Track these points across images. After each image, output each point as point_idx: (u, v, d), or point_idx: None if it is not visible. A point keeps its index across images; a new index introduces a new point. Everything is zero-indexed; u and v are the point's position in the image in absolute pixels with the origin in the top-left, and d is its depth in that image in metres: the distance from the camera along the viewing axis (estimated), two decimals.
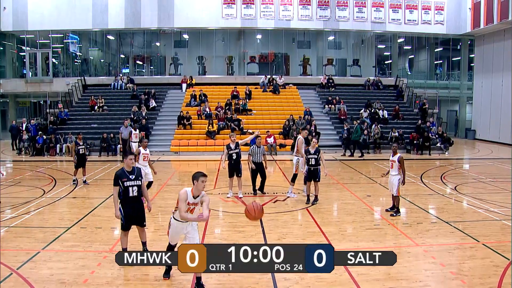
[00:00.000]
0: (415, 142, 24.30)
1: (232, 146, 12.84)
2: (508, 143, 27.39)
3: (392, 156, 11.05)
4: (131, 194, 7.57)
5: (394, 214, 10.93)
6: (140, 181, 7.68)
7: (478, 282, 7.01)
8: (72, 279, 7.05)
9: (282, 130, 24.95)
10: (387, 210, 11.30)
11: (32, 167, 19.57)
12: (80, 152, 14.90)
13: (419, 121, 25.87)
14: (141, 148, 12.34)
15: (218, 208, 11.91)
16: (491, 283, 6.93)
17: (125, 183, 7.53)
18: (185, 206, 6.54)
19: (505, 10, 27.09)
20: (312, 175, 12.18)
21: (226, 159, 13.00)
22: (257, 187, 13.44)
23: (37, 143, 23.35)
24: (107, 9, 30.81)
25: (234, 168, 12.86)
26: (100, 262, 7.78)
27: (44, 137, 23.64)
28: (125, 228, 7.76)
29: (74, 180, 15.18)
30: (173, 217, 6.81)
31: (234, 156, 12.81)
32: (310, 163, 12.10)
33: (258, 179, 13.42)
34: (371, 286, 6.86)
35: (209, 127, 24.63)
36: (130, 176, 7.61)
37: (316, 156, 12.08)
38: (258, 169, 13.06)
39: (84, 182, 15.07)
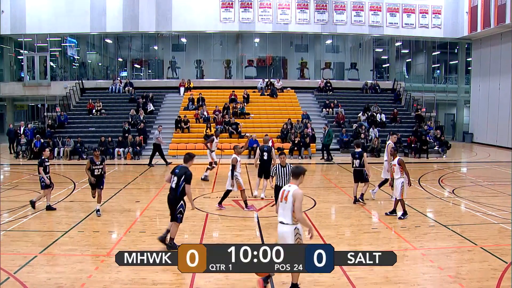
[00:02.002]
0: (412, 145, 24.32)
1: (264, 147, 13.21)
2: (506, 146, 27.45)
3: (392, 160, 11.17)
4: None
5: (402, 217, 10.93)
6: None
7: (476, 285, 7.01)
8: (69, 283, 7.03)
9: (280, 133, 24.94)
10: (386, 214, 11.30)
11: (30, 170, 19.52)
12: (95, 173, 11.54)
13: (417, 125, 25.90)
14: (237, 156, 12.16)
15: (216, 211, 11.90)
16: (489, 286, 6.93)
17: None
18: None
19: (502, 14, 27.20)
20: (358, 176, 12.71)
21: (258, 161, 13.38)
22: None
23: (34, 147, 23.29)
24: (105, 12, 30.82)
25: (264, 169, 13.14)
26: (97, 266, 7.76)
27: (42, 140, 23.57)
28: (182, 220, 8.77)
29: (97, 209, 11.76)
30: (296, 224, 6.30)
31: (265, 157, 13.16)
32: (354, 165, 12.65)
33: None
34: None
35: (207, 131, 24.61)
36: None
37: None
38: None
39: (97, 211, 11.54)
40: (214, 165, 17.72)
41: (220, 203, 12.17)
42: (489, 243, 9.05)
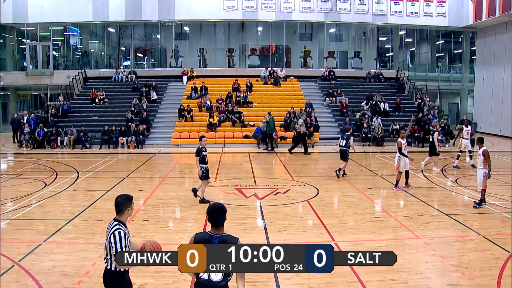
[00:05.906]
0: (416, 134, 24.26)
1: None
2: (509, 136, 27.34)
3: (478, 150, 11.27)
4: None
5: (477, 206, 11.00)
6: None
7: (478, 274, 7.03)
8: (73, 271, 7.08)
9: (283, 122, 24.90)
10: (475, 203, 11.19)
11: (33, 159, 19.60)
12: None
13: (420, 114, 25.81)
14: (401, 140, 13.26)
15: (219, 200, 11.93)
16: (491, 275, 6.95)
17: None
18: None
19: (507, 2, 26.94)
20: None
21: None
22: None
23: (38, 136, 23.34)
24: (108, 1, 30.66)
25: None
26: (101, 254, 7.78)
27: (45, 129, 23.62)
28: None
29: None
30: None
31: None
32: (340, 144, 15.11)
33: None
34: (372, 277, 6.89)
35: (210, 120, 24.60)
36: None
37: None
38: None
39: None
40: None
41: (406, 183, 13.35)
42: (492, 233, 9.05)
